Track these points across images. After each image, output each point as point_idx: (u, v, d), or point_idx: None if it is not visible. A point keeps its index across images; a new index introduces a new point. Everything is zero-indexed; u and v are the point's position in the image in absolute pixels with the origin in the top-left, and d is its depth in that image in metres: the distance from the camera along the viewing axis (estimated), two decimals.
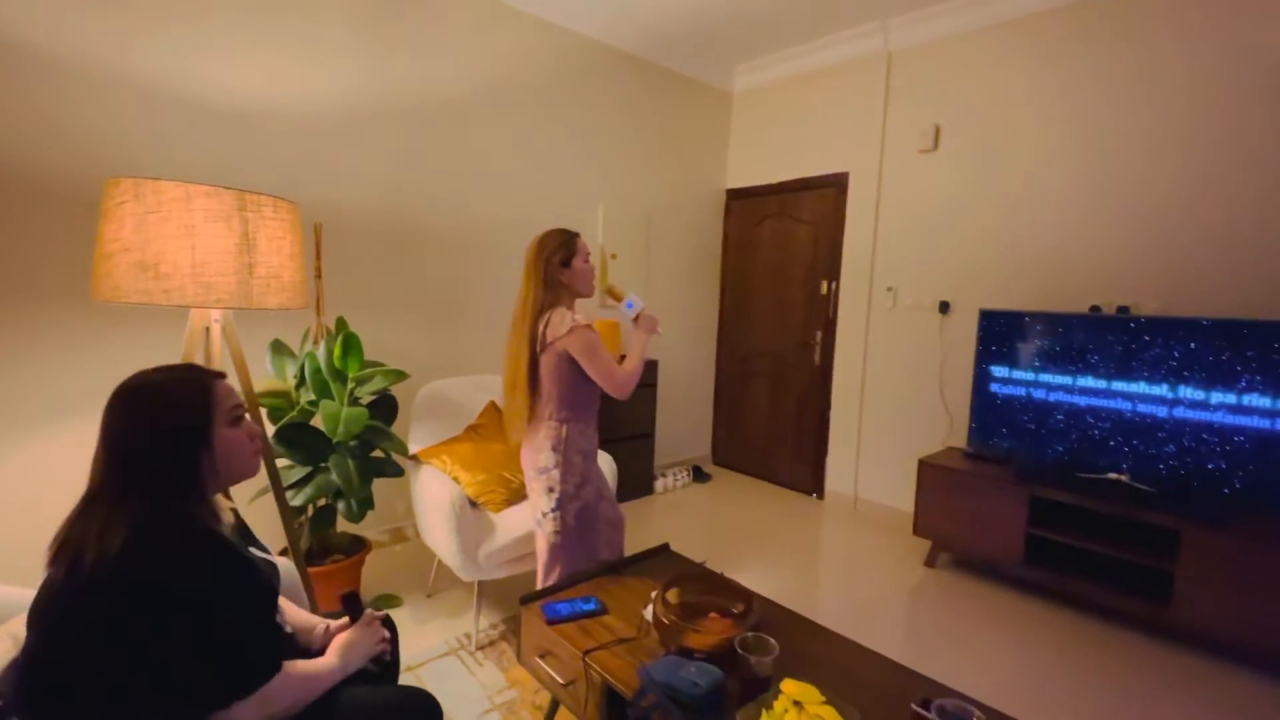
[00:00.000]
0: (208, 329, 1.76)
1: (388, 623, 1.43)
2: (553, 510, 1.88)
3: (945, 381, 3.38)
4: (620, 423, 3.57)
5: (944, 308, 3.37)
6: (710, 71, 4.23)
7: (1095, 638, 2.47)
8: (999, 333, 2.95)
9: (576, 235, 1.89)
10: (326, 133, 2.65)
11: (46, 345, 2.07)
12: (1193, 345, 2.42)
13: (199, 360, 1.91)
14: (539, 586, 1.96)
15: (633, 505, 3.74)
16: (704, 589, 1.72)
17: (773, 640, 1.46)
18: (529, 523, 2.27)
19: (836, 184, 3.86)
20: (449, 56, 3.01)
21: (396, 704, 1.23)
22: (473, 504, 2.31)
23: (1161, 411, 2.50)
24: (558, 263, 1.83)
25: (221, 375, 1.09)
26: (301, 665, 1.10)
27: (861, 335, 3.76)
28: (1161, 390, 2.50)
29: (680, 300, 4.37)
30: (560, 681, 1.59)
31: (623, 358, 1.94)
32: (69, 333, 2.10)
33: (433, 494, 2.23)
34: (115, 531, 0.89)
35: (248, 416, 1.12)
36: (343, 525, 2.67)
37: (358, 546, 2.44)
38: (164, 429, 0.97)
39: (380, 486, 2.64)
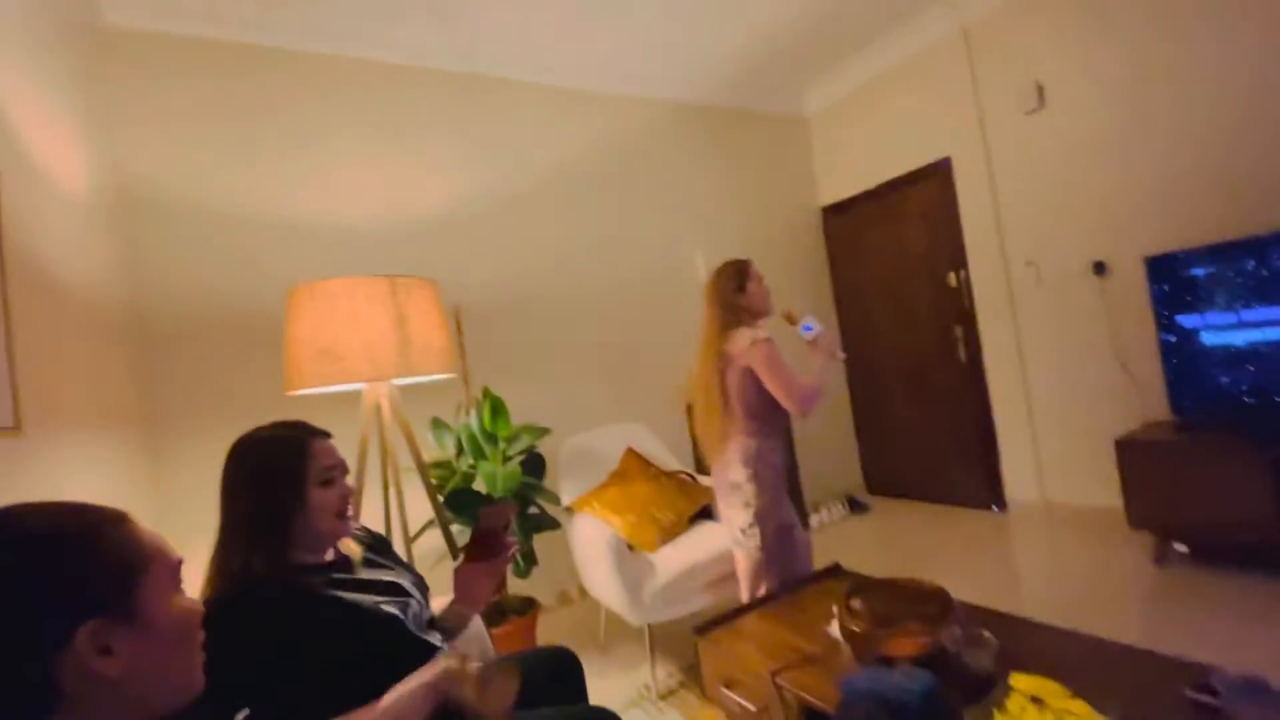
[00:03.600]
0: (378, 406, 1.97)
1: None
2: (751, 526, 1.89)
3: (1122, 350, 2.96)
4: None
5: (1099, 269, 3.00)
6: (781, 101, 4.30)
7: None
8: (1175, 278, 2.56)
9: (748, 262, 2.05)
10: (450, 231, 2.99)
11: None
12: None
13: (374, 439, 2.13)
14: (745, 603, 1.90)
15: None
16: (890, 596, 1.57)
17: (988, 634, 1.29)
18: (688, 559, 2.23)
19: (939, 172, 3.68)
20: (540, 147, 3.33)
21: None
22: (630, 548, 2.30)
23: None
24: (733, 289, 1.99)
25: (325, 434, 1.14)
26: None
27: (1009, 320, 3.43)
28: None
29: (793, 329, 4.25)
30: (752, 709, 1.49)
31: None
32: None
33: (590, 539, 2.26)
34: (212, 581, 1.00)
35: (347, 480, 1.15)
36: (513, 587, 2.75)
37: (529, 606, 2.50)
38: (258, 479, 1.05)
39: (542, 551, 2.73)
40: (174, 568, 0.64)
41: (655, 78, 3.65)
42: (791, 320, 2.05)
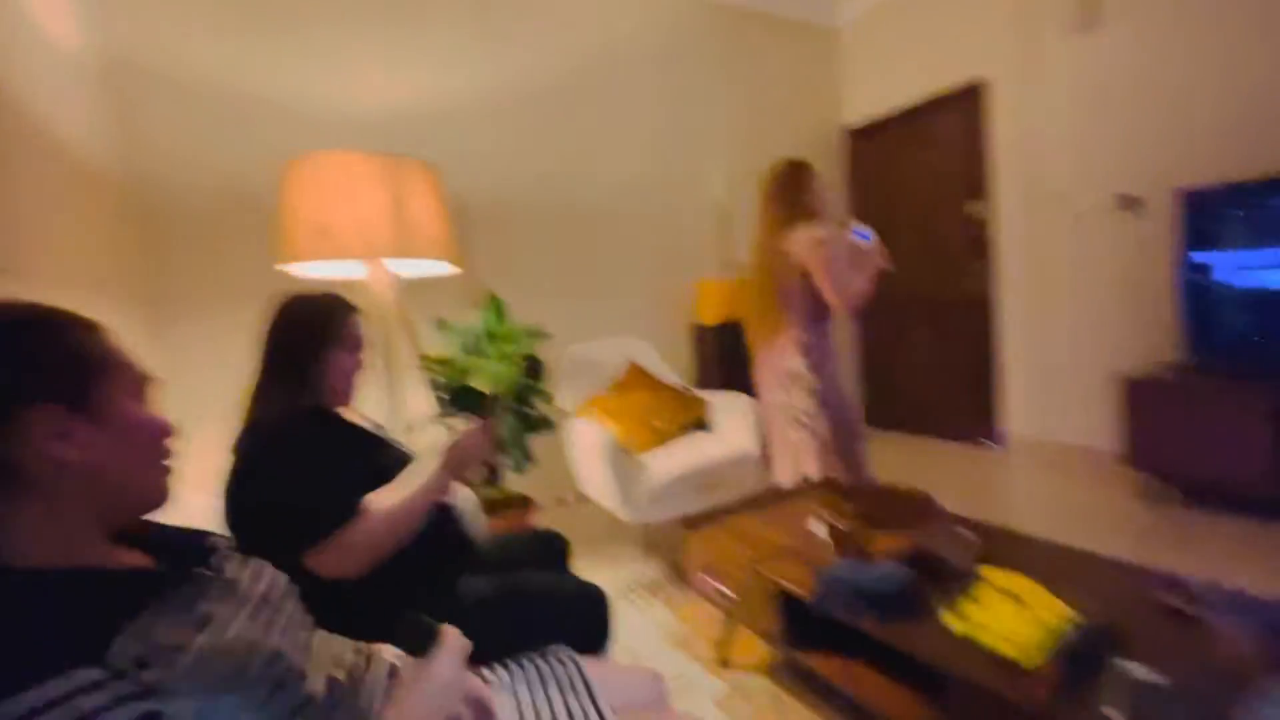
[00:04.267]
0: (379, 292, 1.95)
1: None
2: (817, 410, 2.00)
3: (1138, 288, 2.88)
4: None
5: (1127, 203, 2.88)
6: (812, 7, 4.02)
7: None
8: (1207, 214, 2.45)
9: (808, 163, 2.08)
10: (457, 124, 2.88)
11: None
12: None
13: (376, 327, 2.12)
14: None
15: None
16: (878, 499, 1.59)
17: (968, 533, 1.31)
18: (681, 464, 2.27)
19: (973, 96, 3.47)
20: (558, 38, 3.15)
21: (580, 592, 1.27)
22: (625, 452, 2.34)
23: None
24: (795, 187, 2.03)
25: (358, 310, 1.24)
26: (383, 496, 1.07)
27: (1028, 253, 3.33)
28: None
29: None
30: (733, 596, 1.54)
31: None
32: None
33: (588, 442, 2.29)
34: (253, 406, 1.12)
35: (362, 356, 1.24)
36: (510, 485, 2.82)
37: (525, 502, 2.57)
38: (302, 327, 1.17)
39: (539, 453, 2.78)
40: (139, 379, 0.64)
41: None
42: (846, 225, 2.07)
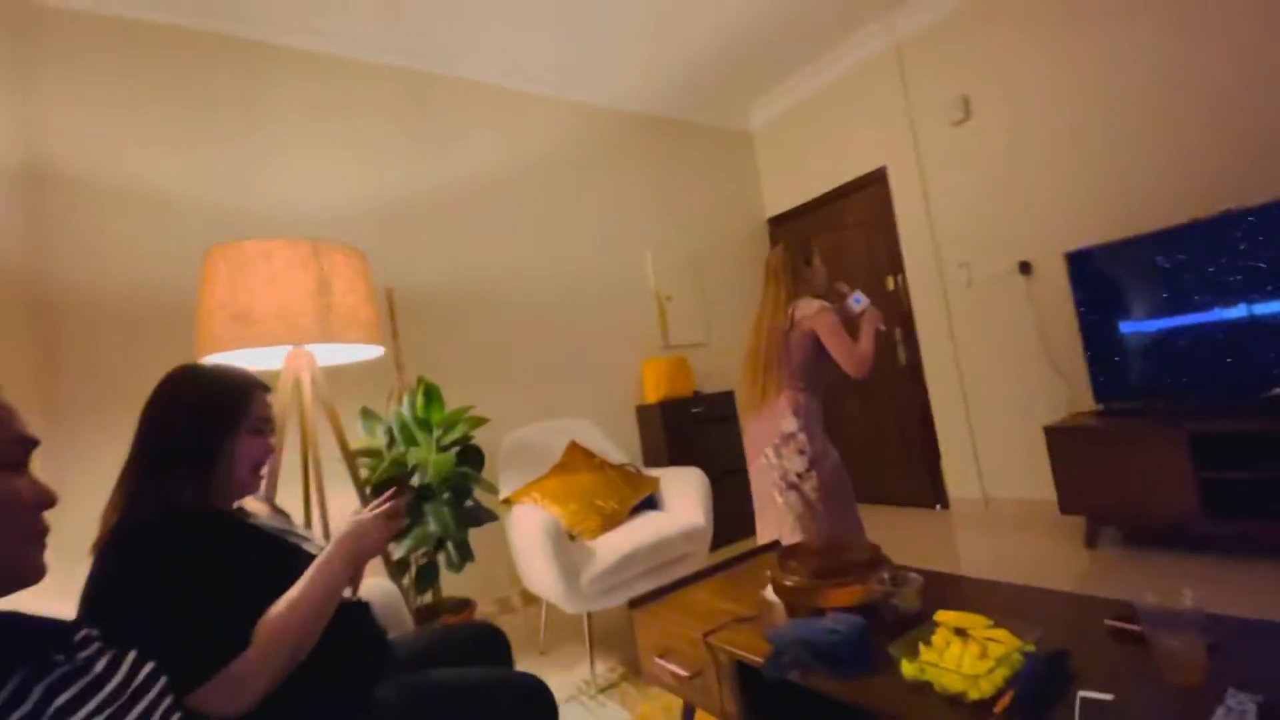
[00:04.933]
0: (298, 383, 1.88)
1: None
2: (808, 470, 2.03)
3: (1049, 344, 3.09)
4: (708, 458, 3.42)
5: (1025, 268, 3.15)
6: (728, 116, 4.44)
7: None
8: (1093, 273, 2.71)
9: (811, 240, 2.26)
10: (391, 225, 2.93)
11: None
12: None
13: (293, 421, 2.03)
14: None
15: (741, 544, 3.50)
16: (823, 559, 1.55)
17: (914, 574, 1.28)
18: (629, 544, 2.17)
19: (876, 181, 3.83)
20: (487, 146, 3.32)
21: (520, 685, 1.15)
22: (570, 537, 2.23)
23: None
24: (802, 263, 2.18)
25: (266, 388, 1.12)
26: (274, 608, 0.91)
27: (944, 321, 3.55)
28: None
29: (741, 332, 4.27)
30: (684, 674, 1.43)
31: None
32: None
33: (528, 529, 2.18)
34: (119, 504, 0.95)
35: (272, 440, 1.12)
36: (449, 589, 2.62)
37: (463, 606, 2.38)
38: (196, 411, 1.02)
39: (480, 549, 2.62)
40: (13, 439, 0.58)
41: (606, 87, 3.72)
42: (842, 294, 2.21)
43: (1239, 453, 2.30)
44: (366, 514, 1.07)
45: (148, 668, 0.66)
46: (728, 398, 3.73)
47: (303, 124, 2.76)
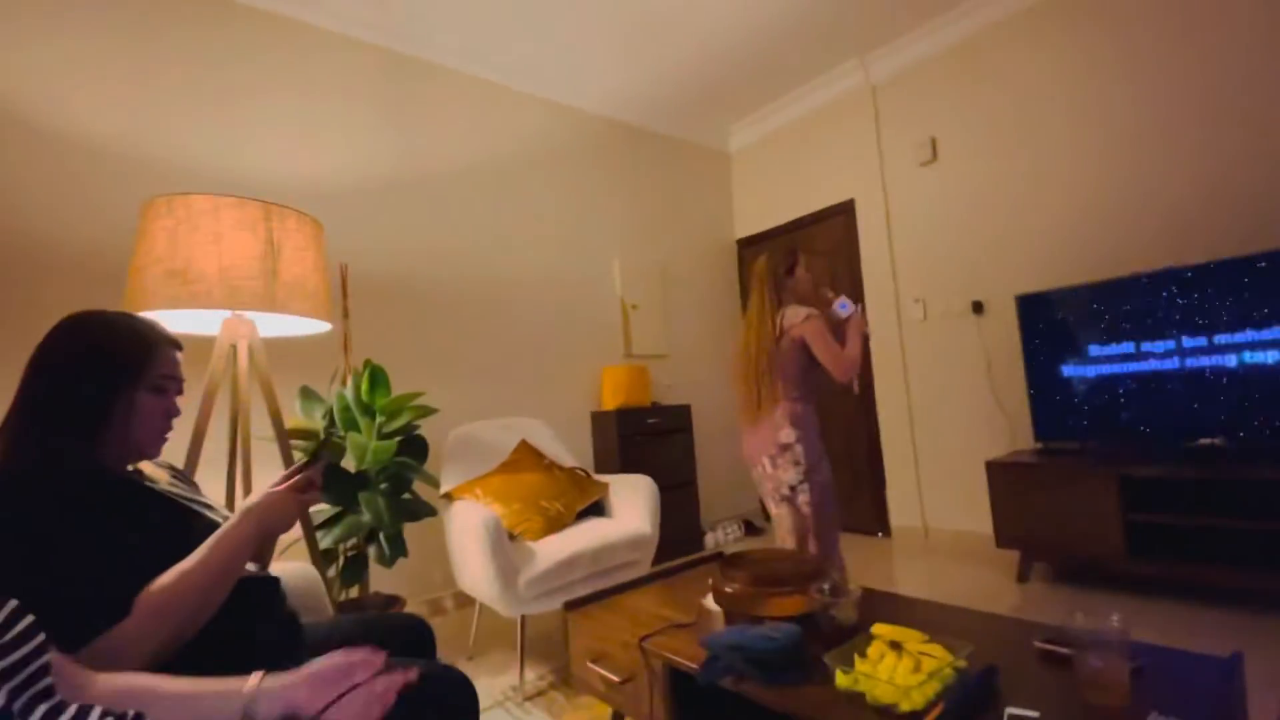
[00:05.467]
0: (234, 352, 1.77)
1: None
2: (801, 482, 2.05)
3: (996, 383, 3.20)
4: (659, 469, 3.40)
5: (978, 307, 3.26)
6: (707, 135, 4.50)
7: (1235, 624, 2.10)
8: (1042, 316, 2.82)
9: (797, 250, 2.27)
10: (351, 200, 2.83)
11: None
12: (1260, 283, 2.26)
13: (226, 385, 1.92)
14: None
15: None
16: (765, 569, 1.54)
17: (852, 586, 1.27)
18: (572, 547, 2.12)
19: (844, 212, 3.93)
20: (460, 134, 3.26)
21: (442, 678, 1.08)
22: (511, 537, 2.16)
23: (1252, 359, 2.29)
24: (784, 272, 2.20)
25: (176, 344, 1.03)
26: (162, 577, 0.83)
27: (898, 354, 3.63)
28: (1245, 337, 2.30)
29: (703, 348, 4.33)
30: (616, 680, 1.38)
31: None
32: None
33: (466, 525, 2.09)
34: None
35: (176, 401, 1.03)
36: (378, 584, 2.50)
37: (390, 603, 2.27)
38: (90, 360, 0.93)
39: (416, 551, 2.51)
40: None
41: (588, 91, 3.72)
42: (828, 301, 2.22)
43: (1165, 497, 2.40)
44: (277, 486, 0.99)
45: (25, 620, 0.59)
46: (684, 411, 3.73)
47: (269, 90, 2.65)
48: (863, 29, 3.41)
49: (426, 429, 2.45)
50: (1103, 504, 2.44)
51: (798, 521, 2.08)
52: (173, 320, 1.67)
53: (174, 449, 1.68)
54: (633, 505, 2.46)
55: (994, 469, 2.78)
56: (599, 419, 3.54)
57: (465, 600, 2.94)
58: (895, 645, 1.08)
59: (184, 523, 0.97)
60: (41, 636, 0.60)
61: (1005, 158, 3.19)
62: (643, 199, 4.11)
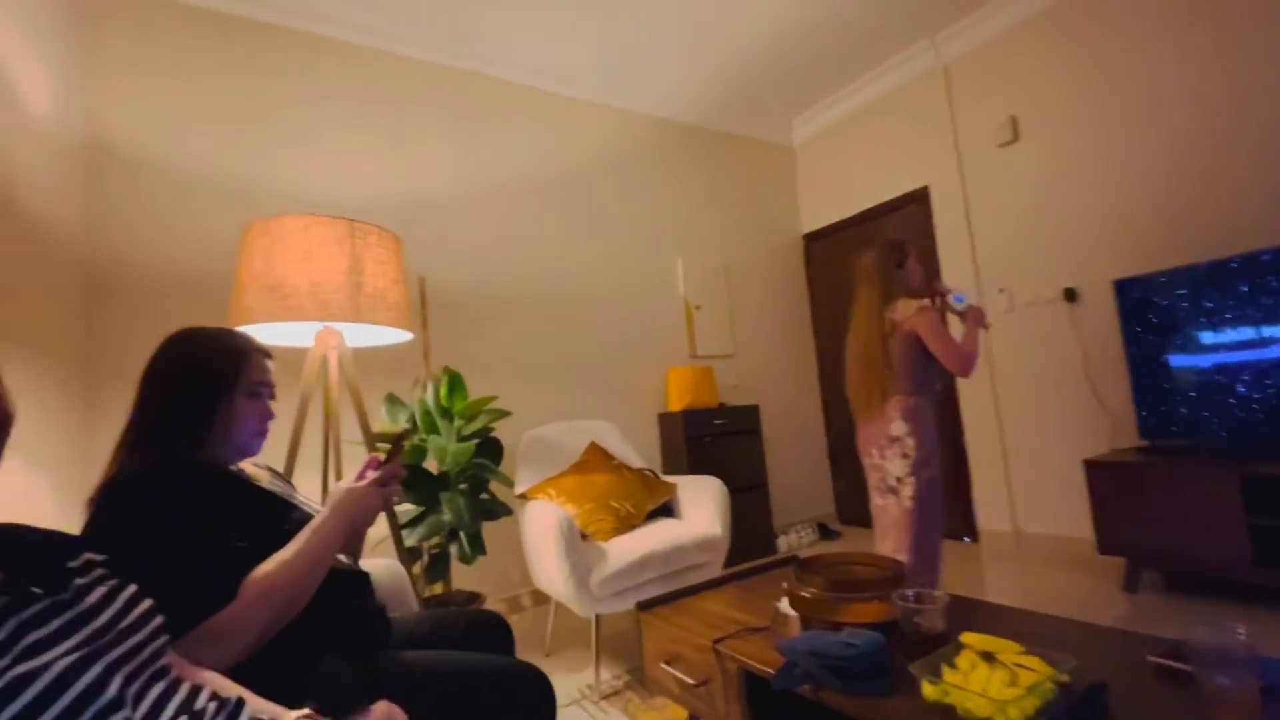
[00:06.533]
0: (325, 362, 1.89)
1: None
2: (909, 475, 2.00)
3: (1093, 375, 2.96)
4: (728, 471, 3.36)
5: (1070, 295, 3.04)
6: (769, 129, 4.41)
7: None
8: (1143, 302, 2.59)
9: (906, 242, 2.20)
10: (427, 216, 2.97)
11: None
12: None
13: (319, 393, 2.05)
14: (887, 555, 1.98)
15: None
16: (842, 573, 1.49)
17: (942, 595, 1.21)
18: (643, 548, 2.13)
19: (917, 200, 3.75)
20: (526, 146, 3.36)
21: (522, 674, 1.11)
22: (583, 536, 2.20)
23: None
24: (894, 265, 2.14)
25: (266, 353, 1.13)
26: (264, 565, 0.91)
27: (983, 346, 3.42)
28: None
29: (771, 348, 4.25)
30: (691, 682, 1.38)
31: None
32: None
33: (540, 524, 2.15)
34: (120, 456, 0.97)
35: (270, 404, 1.12)
36: (459, 582, 2.60)
37: (471, 600, 2.36)
38: (192, 371, 1.03)
39: (493, 545, 2.60)
40: None
41: (646, 94, 3.74)
42: (942, 293, 2.17)
43: None
44: (360, 481, 1.05)
45: (144, 604, 0.65)
46: (752, 411, 3.67)
47: (347, 114, 2.82)
48: (933, 8, 3.25)
49: (500, 431, 2.53)
50: (1222, 507, 2.22)
51: (901, 515, 2.02)
52: (270, 333, 1.80)
53: (275, 453, 1.82)
54: (702, 507, 2.44)
55: (1095, 469, 2.58)
56: (665, 420, 3.54)
57: (542, 598, 3.02)
58: (988, 656, 1.02)
59: (281, 516, 1.05)
60: (159, 620, 0.66)
61: (1094, 133, 2.95)
62: (705, 198, 4.09)
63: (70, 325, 2.07)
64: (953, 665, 1.03)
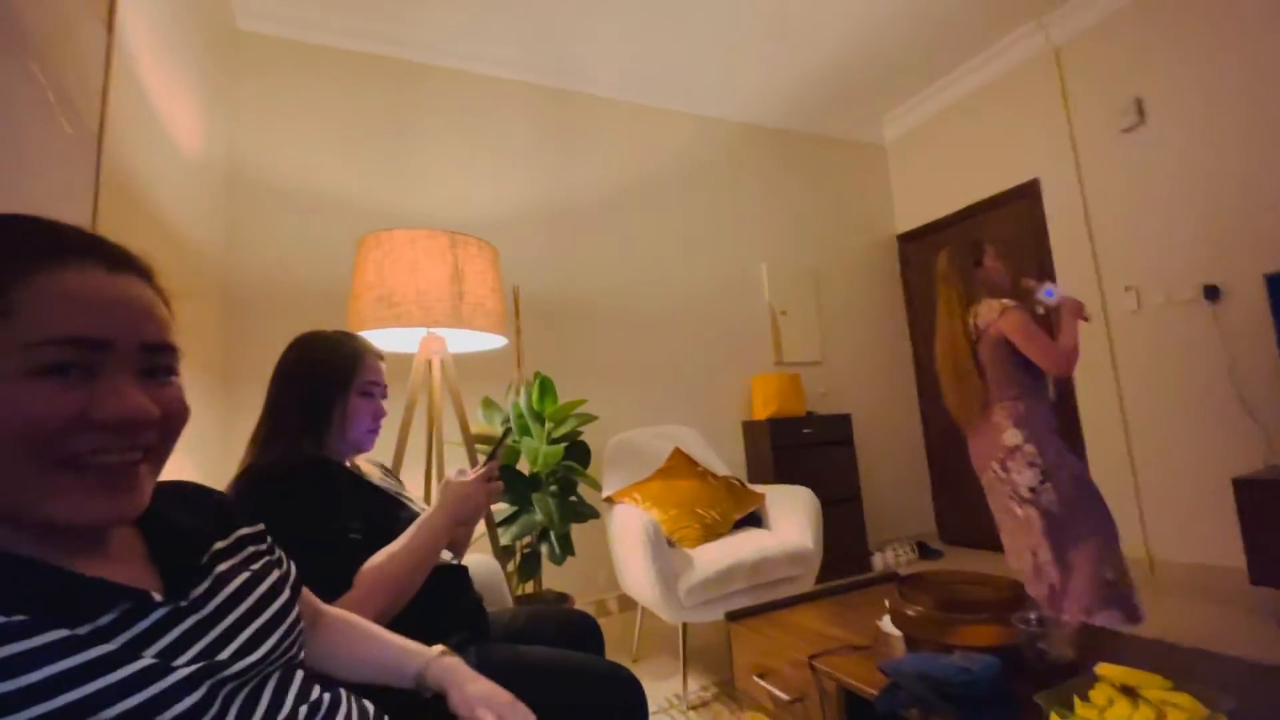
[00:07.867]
0: (429, 366, 2.00)
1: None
2: (1042, 482, 1.85)
3: (1241, 382, 2.62)
4: (818, 483, 3.22)
5: (1211, 293, 2.71)
6: (856, 128, 4.27)
7: None
8: None
9: (982, 241, 2.12)
10: (522, 231, 3.09)
11: None
12: None
13: (423, 399, 2.17)
14: (1026, 572, 1.88)
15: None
16: (952, 591, 1.39)
17: (1069, 620, 1.11)
18: (730, 557, 2.09)
19: (1026, 194, 3.49)
20: (612, 158, 3.43)
21: (612, 675, 1.12)
22: (669, 543, 2.19)
23: None
24: (970, 265, 2.05)
25: (379, 355, 1.20)
26: (376, 556, 0.97)
27: (1104, 352, 3.13)
28: None
29: (863, 354, 4.08)
30: (785, 698, 1.33)
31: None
32: None
33: (627, 528, 2.16)
34: (252, 451, 1.06)
35: (383, 402, 1.19)
36: (549, 582, 2.66)
37: (562, 600, 2.41)
38: (312, 371, 1.11)
39: (581, 553, 2.65)
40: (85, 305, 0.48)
41: (729, 100, 3.72)
42: (1030, 290, 2.05)
43: None
44: (467, 477, 1.09)
45: (287, 594, 0.67)
46: (844, 421, 3.53)
47: (447, 136, 3.01)
48: None
49: (587, 435, 2.57)
50: None
51: (1050, 523, 1.84)
52: (380, 339, 1.93)
53: (383, 451, 1.94)
54: (791, 518, 2.37)
55: (1246, 489, 2.28)
56: (750, 429, 3.47)
57: (628, 603, 3.03)
58: (1129, 691, 0.92)
59: (392, 511, 1.11)
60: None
61: (1232, 109, 2.63)
62: (790, 202, 4.00)
63: (213, 330, 2.33)
64: (1085, 698, 0.93)
